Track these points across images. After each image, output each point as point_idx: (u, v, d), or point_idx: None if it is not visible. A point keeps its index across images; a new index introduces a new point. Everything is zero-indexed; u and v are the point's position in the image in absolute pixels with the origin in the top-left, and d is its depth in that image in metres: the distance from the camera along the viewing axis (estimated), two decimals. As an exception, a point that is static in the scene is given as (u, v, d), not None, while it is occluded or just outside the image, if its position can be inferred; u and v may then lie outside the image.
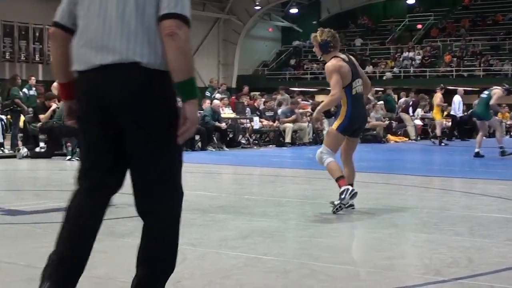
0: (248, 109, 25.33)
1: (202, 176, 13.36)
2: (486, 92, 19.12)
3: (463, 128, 30.27)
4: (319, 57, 8.99)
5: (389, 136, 27.75)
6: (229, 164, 15.86)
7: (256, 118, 24.48)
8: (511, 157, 18.34)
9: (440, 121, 26.29)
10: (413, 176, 13.72)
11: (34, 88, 21.67)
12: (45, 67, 35.10)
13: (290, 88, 36.05)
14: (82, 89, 3.82)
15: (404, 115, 28.85)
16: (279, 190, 11.44)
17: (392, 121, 29.04)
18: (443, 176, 14.12)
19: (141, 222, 3.86)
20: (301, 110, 25.65)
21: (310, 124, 24.73)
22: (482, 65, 43.92)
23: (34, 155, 17.18)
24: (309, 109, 25.99)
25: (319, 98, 33.56)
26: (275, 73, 50.10)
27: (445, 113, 28.27)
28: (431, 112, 28.82)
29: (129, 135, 3.77)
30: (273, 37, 54.42)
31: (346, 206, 8.40)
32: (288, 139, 24.01)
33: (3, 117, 19.98)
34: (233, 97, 27.68)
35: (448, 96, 28.47)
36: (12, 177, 13.66)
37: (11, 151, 17.99)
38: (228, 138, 22.88)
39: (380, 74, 46.83)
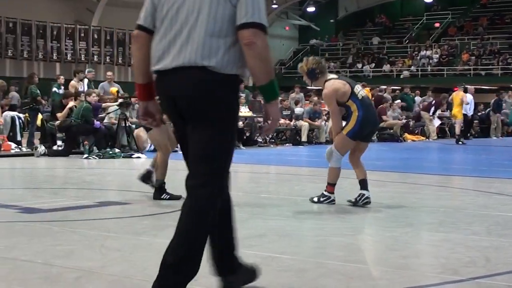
0: (264, 107, 25.25)
1: (218, 174, 13.20)
2: None
3: (472, 127, 30.21)
4: (310, 85, 9.22)
5: (406, 135, 27.67)
6: (246, 163, 15.83)
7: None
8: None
9: (461, 120, 26.21)
10: (429, 175, 13.68)
11: (62, 87, 21.79)
12: (63, 66, 35.23)
13: (307, 87, 35.96)
14: (160, 88, 4.18)
15: (425, 114, 28.76)
16: (295, 189, 11.42)
17: (410, 120, 28.95)
18: (460, 175, 14.06)
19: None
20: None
21: (327, 123, 24.70)
22: (500, 63, 43.72)
23: (51, 153, 17.23)
24: (326, 108, 25.93)
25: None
26: (292, 72, 49.90)
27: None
28: (448, 111, 28.72)
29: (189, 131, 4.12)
30: (290, 36, 54.38)
31: (318, 202, 8.97)
32: (304, 138, 24.02)
33: (21, 115, 20.03)
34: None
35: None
36: (30, 175, 13.71)
37: (28, 149, 18.04)
38: (244, 137, 22.89)
39: (397, 72, 46.74)
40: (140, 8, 4.33)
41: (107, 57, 37.06)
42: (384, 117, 26.18)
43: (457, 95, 26.11)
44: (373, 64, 48.29)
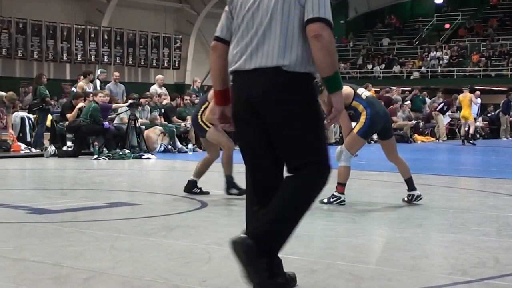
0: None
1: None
2: None
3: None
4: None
5: (416, 136, 27.62)
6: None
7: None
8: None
9: (472, 121, 26.19)
10: (439, 176, 13.65)
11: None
12: (73, 66, 35.26)
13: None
14: (235, 90, 4.47)
15: (437, 115, 28.72)
16: (305, 189, 11.37)
17: (419, 121, 28.89)
18: (470, 176, 14.03)
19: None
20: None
21: (336, 124, 24.66)
22: (510, 64, 43.61)
23: (61, 154, 17.26)
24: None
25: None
26: (302, 73, 50.01)
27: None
28: (458, 112, 28.67)
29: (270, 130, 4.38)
30: (301, 37, 54.28)
31: (329, 203, 8.92)
32: (314, 138, 23.94)
33: (31, 116, 20.05)
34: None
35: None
36: (40, 176, 13.74)
37: (37, 150, 18.07)
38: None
39: (407, 73, 46.67)
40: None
41: (117, 58, 37.07)
42: (394, 118, 26.14)
43: (465, 97, 26.06)
44: (383, 65, 48.22)
